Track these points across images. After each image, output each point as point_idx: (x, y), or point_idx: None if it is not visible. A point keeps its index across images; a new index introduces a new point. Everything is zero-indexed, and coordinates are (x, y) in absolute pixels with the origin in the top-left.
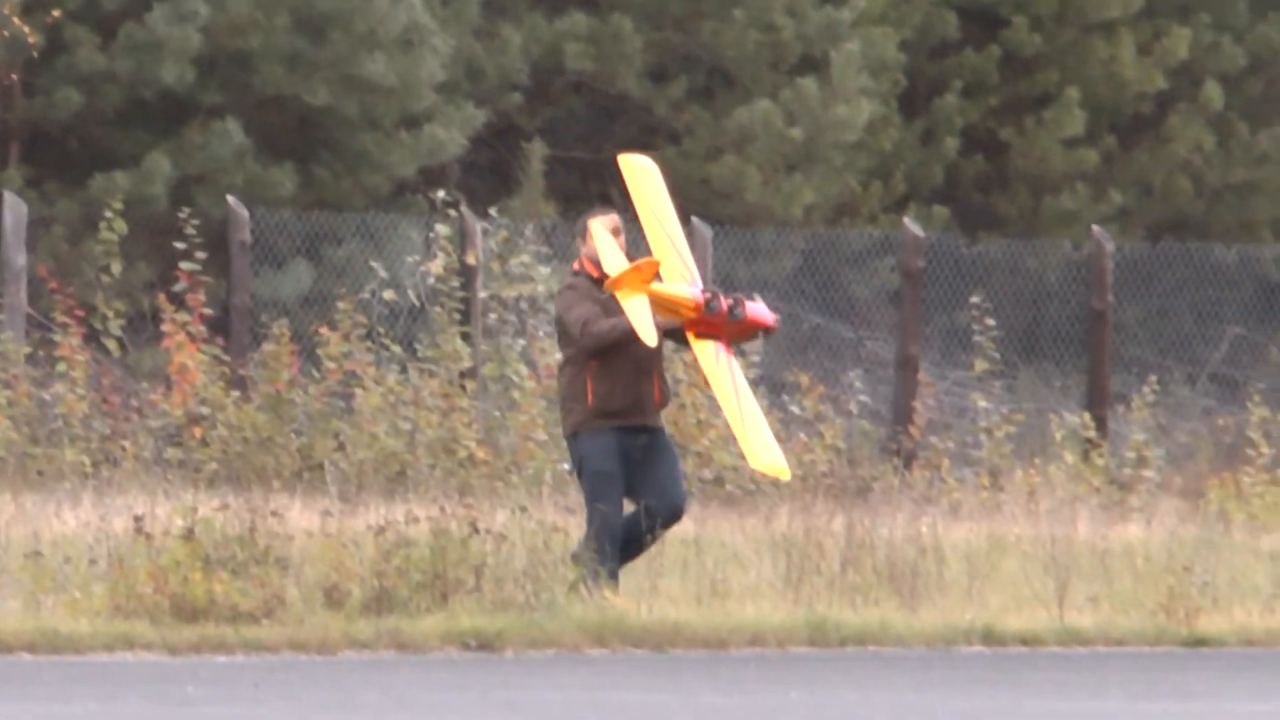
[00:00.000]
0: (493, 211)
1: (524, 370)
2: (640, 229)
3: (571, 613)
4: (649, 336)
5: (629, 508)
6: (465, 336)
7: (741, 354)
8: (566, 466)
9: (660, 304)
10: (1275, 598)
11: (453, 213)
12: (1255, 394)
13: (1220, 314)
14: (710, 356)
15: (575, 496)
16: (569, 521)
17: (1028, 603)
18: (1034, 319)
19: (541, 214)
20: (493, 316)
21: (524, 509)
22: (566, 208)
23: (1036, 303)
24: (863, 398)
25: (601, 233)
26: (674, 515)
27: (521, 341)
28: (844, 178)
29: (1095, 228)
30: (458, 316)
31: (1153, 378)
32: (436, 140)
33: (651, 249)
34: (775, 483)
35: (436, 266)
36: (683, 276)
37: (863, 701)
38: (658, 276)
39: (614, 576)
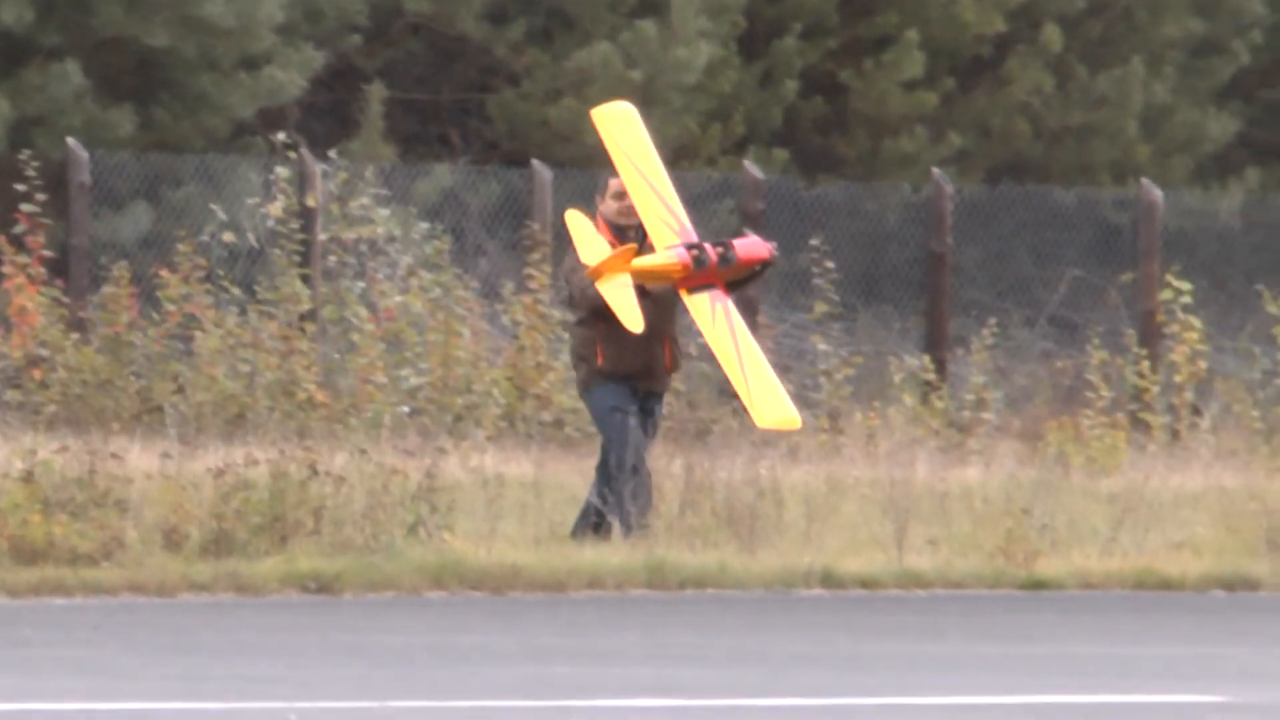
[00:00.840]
0: (332, 154)
1: (363, 313)
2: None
3: (410, 555)
4: (635, 324)
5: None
6: (305, 279)
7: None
8: (406, 409)
9: (647, 277)
10: (1113, 540)
11: (292, 155)
12: (1094, 337)
13: (1059, 256)
14: (706, 314)
15: (414, 439)
16: (408, 464)
17: (866, 545)
18: (873, 261)
19: (381, 156)
20: (332, 259)
21: (363, 451)
22: (405, 150)
23: (875, 245)
24: (701, 340)
25: (576, 223)
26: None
27: (361, 284)
28: (683, 120)
29: (934, 170)
30: (297, 259)
31: (992, 320)
32: (276, 82)
33: (634, 201)
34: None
35: (276, 209)
36: (670, 227)
37: (701, 644)
38: (645, 247)
39: (628, 523)
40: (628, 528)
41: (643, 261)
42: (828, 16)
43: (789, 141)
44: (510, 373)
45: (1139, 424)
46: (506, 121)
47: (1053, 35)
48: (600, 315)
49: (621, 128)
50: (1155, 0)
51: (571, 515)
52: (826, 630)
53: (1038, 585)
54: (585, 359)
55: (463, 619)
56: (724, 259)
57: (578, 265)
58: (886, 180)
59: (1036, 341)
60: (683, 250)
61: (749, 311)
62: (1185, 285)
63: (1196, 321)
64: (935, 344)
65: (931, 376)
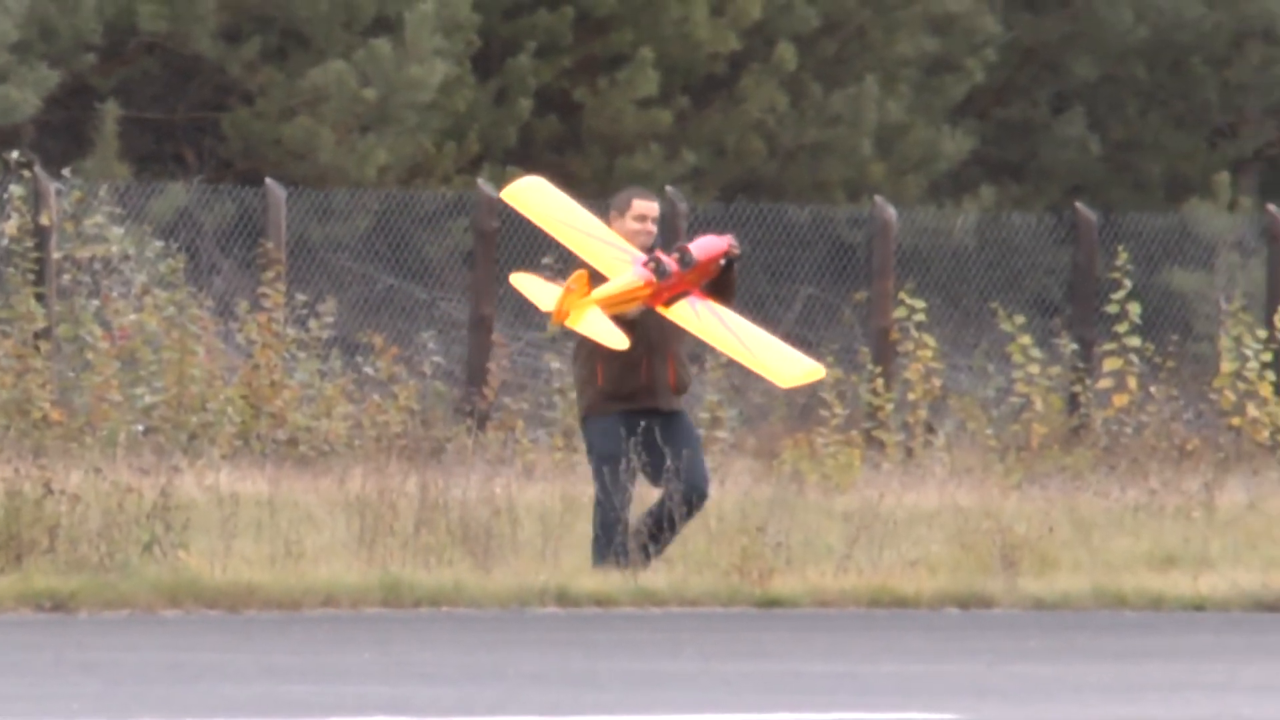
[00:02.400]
0: (66, 172)
1: (98, 331)
2: (559, 246)
3: (145, 573)
4: (618, 342)
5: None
6: (39, 297)
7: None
8: (141, 427)
9: (616, 303)
10: (848, 558)
11: (26, 173)
12: (828, 354)
13: (793, 274)
14: (690, 316)
15: (149, 457)
16: (143, 483)
17: None
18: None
19: (115, 174)
20: (66, 277)
21: (98, 470)
22: (140, 168)
23: None
24: (436, 358)
25: (524, 283)
26: (696, 497)
27: (95, 302)
28: (418, 138)
29: (669, 188)
30: (31, 277)
31: None
32: (10, 101)
33: (583, 258)
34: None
35: (10, 227)
36: (623, 262)
37: (436, 662)
38: (597, 279)
39: (604, 558)
40: (602, 556)
41: (605, 289)
42: (562, 35)
43: (524, 160)
44: (245, 391)
45: (873, 442)
46: (241, 140)
47: (787, 53)
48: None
49: (538, 199)
50: (889, 19)
51: (308, 534)
52: (562, 648)
53: (772, 603)
54: (588, 381)
55: (198, 637)
56: (683, 262)
57: (593, 275)
58: None
59: None
60: (639, 267)
61: None
62: (919, 303)
63: (930, 339)
64: None
65: None
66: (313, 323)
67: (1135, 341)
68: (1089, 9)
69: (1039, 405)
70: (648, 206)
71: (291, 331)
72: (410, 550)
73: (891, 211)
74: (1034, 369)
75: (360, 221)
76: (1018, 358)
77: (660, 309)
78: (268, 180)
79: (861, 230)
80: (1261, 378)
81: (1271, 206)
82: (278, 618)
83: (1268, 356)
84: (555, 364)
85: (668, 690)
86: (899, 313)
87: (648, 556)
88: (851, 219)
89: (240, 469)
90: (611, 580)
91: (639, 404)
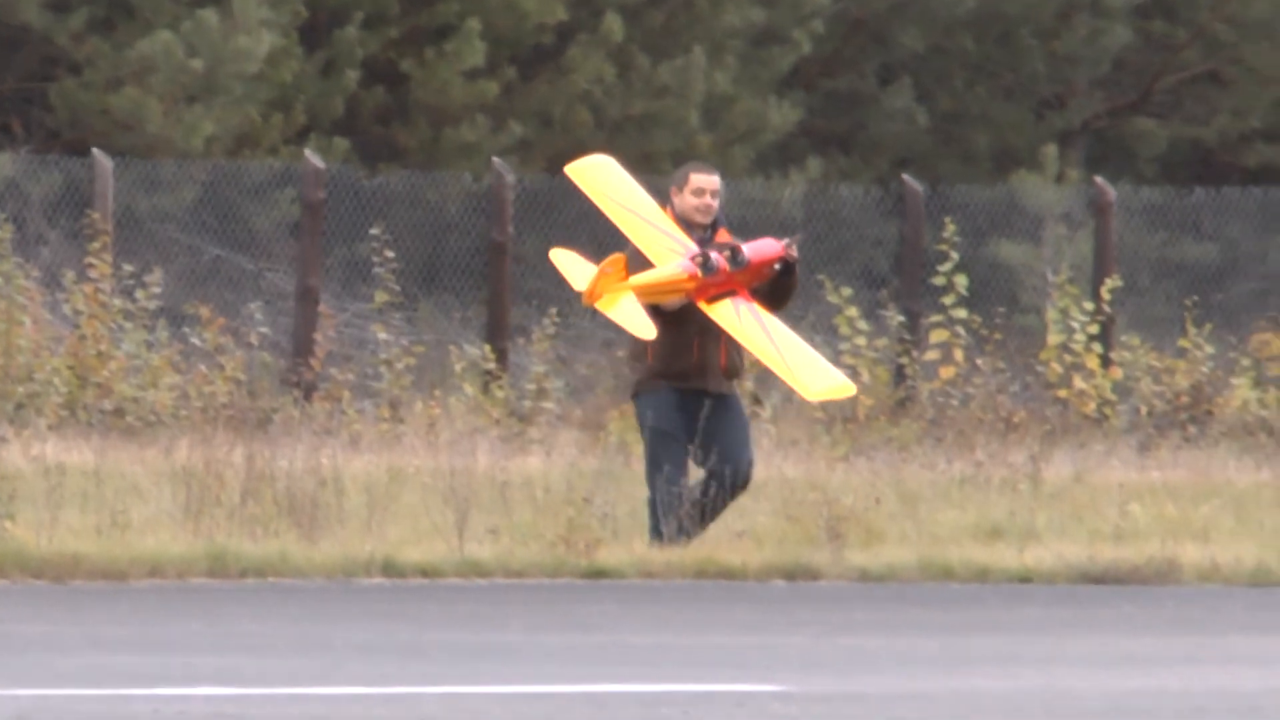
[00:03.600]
0: None
1: None
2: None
3: None
4: (646, 332)
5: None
6: None
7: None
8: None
9: (654, 293)
10: None
11: None
12: None
13: (619, 245)
14: (731, 315)
15: None
16: None
17: (427, 535)
18: (434, 251)
19: None
20: None
21: None
22: None
23: (437, 235)
24: (263, 329)
25: (562, 260)
26: (739, 479)
27: None
28: (245, 109)
29: (495, 159)
30: None
31: (553, 310)
32: None
33: (635, 240)
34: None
35: None
36: (674, 253)
37: (262, 632)
38: (642, 264)
39: (660, 535)
40: (658, 534)
41: (644, 277)
42: (389, 6)
43: (350, 131)
44: (71, 361)
45: None
46: (68, 110)
47: (614, 24)
48: (655, 312)
49: (602, 177)
50: None
51: (134, 505)
52: (388, 619)
53: (599, 574)
54: (638, 358)
55: (24, 608)
56: (734, 260)
57: (635, 256)
58: (448, 170)
59: (598, 331)
60: (685, 261)
61: None
62: None
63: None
64: (496, 333)
65: (492, 366)
66: (139, 293)
67: (962, 314)
68: None
69: (865, 377)
70: (707, 180)
71: (118, 302)
72: (236, 521)
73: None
74: (860, 341)
75: (187, 192)
76: (844, 330)
77: (702, 305)
78: (94, 151)
79: None
80: (1088, 350)
81: (1099, 178)
82: (104, 588)
83: (1094, 329)
84: (382, 335)
85: (494, 662)
86: None
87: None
88: None
89: (66, 439)
90: (437, 551)
91: (689, 384)
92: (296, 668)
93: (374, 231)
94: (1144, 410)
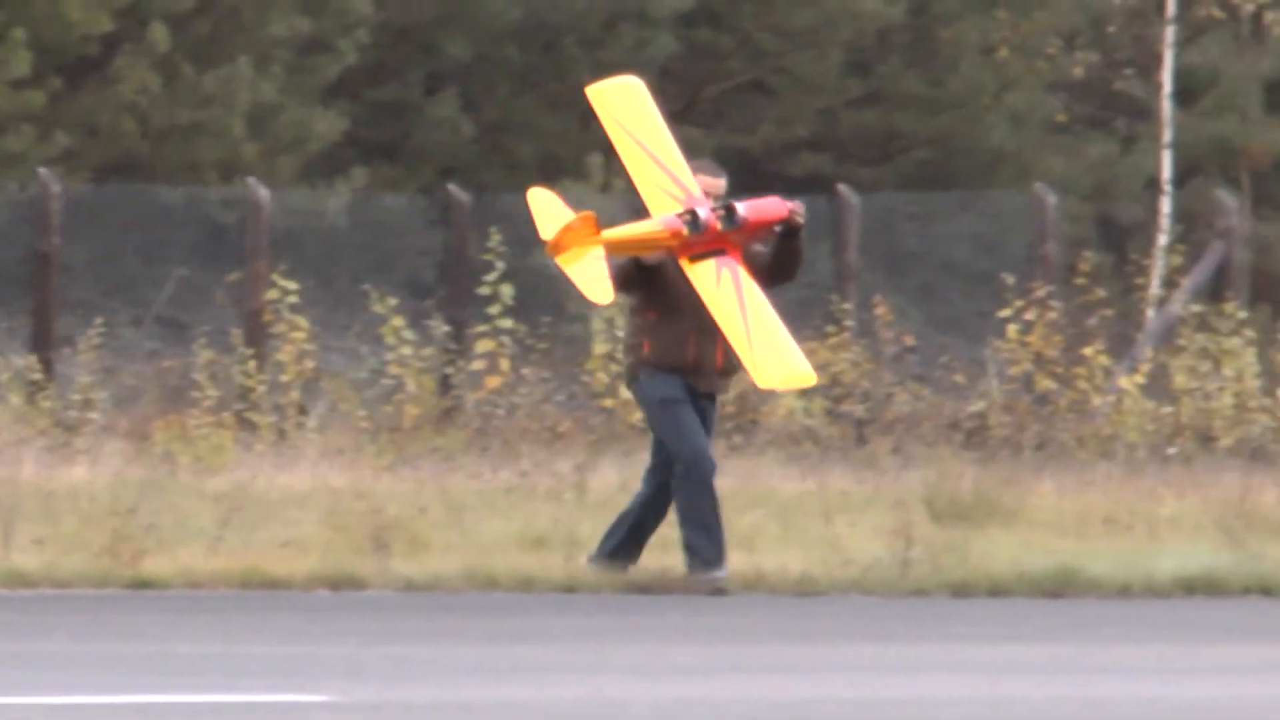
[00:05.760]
0: None
1: None
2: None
3: None
4: (600, 295)
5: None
6: None
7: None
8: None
9: (630, 247)
10: (220, 539)
11: None
12: (201, 336)
13: (166, 256)
14: (710, 278)
15: None
16: None
17: None
18: None
19: None
20: None
21: None
22: None
23: None
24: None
25: (538, 199)
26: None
27: None
28: None
29: (41, 169)
30: None
31: (99, 320)
32: None
33: (631, 173)
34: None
35: None
36: (673, 198)
37: None
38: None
39: (701, 553)
40: (704, 562)
41: (620, 231)
42: None
43: None
44: None
45: (246, 423)
46: None
47: (160, 34)
48: (653, 305)
49: (622, 102)
50: None
51: None
52: None
53: (144, 584)
54: (633, 349)
55: None
56: (727, 219)
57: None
58: None
59: (144, 341)
60: (670, 217)
61: None
62: (292, 285)
63: (304, 321)
64: (42, 343)
65: (38, 376)
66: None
67: (508, 323)
68: None
69: (411, 386)
70: (713, 184)
71: None
72: None
73: (264, 193)
74: (407, 350)
75: None
76: (390, 339)
77: (684, 262)
78: None
79: (234, 211)
80: None
81: None
82: None
83: None
84: None
85: (40, 671)
86: (271, 294)
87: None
88: (224, 200)
89: None
90: None
91: (683, 379)
92: None
93: None
94: None
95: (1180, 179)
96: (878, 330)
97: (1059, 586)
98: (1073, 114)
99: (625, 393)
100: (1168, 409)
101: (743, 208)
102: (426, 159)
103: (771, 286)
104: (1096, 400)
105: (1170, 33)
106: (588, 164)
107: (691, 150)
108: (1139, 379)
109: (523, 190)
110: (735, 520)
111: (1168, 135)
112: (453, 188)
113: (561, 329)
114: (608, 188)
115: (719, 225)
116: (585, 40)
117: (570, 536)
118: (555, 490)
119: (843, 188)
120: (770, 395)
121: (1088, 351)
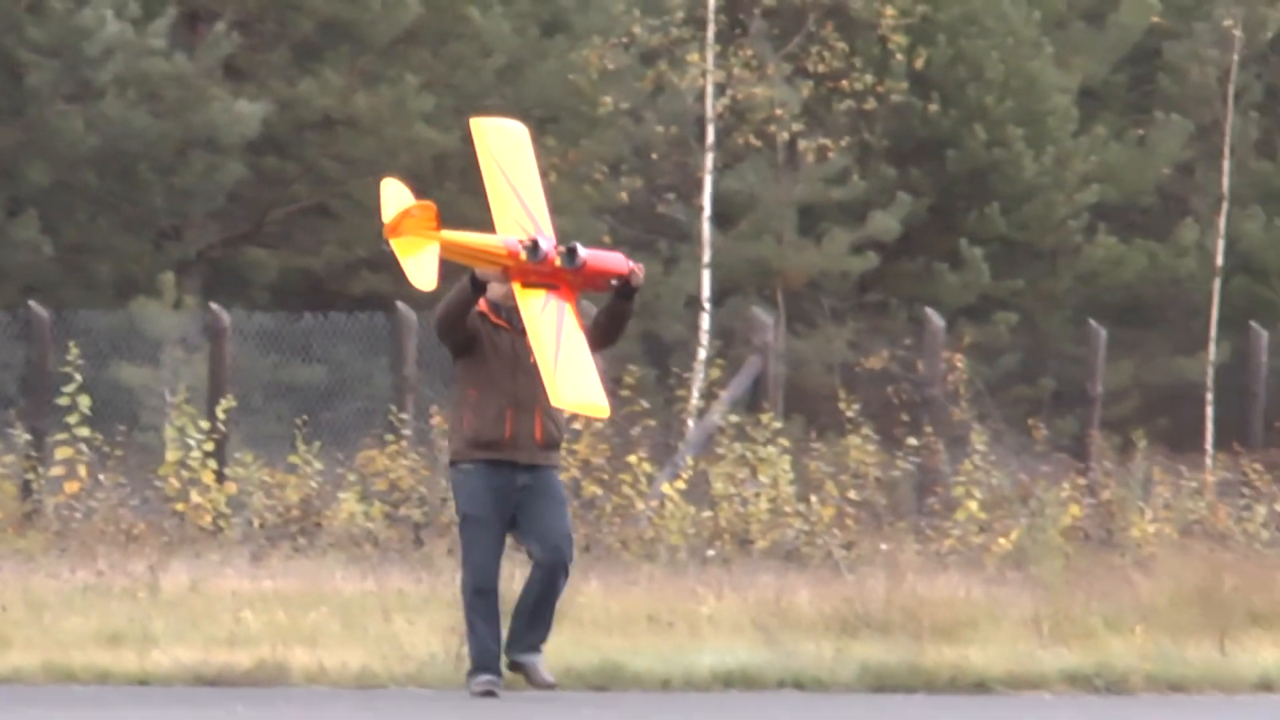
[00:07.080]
0: None
1: None
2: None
3: None
4: (425, 283)
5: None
6: None
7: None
8: None
9: (466, 254)
10: None
11: None
12: None
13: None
14: (536, 305)
15: None
16: None
17: None
18: None
19: None
20: None
21: None
22: None
23: None
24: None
25: (389, 190)
26: (556, 565)
27: None
28: None
29: None
30: None
31: None
32: None
33: (493, 211)
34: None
35: None
36: (523, 229)
37: None
38: (493, 217)
39: (471, 659)
40: (482, 668)
41: (460, 235)
42: None
43: None
44: None
45: None
46: None
47: None
48: (456, 328)
49: (500, 140)
50: None
51: None
52: None
53: None
54: (455, 428)
55: None
56: (568, 257)
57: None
58: None
59: None
60: (512, 239)
61: None
62: None
63: None
64: None
65: None
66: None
67: (85, 432)
68: (41, 118)
69: None
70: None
71: None
72: None
73: None
74: None
75: None
76: None
77: (516, 286)
78: None
79: None
80: (204, 465)
81: (214, 305)
82: None
83: (210, 446)
84: None
85: None
86: None
87: (546, 682)
88: None
89: None
90: None
91: (502, 455)
92: None
93: None
94: (257, 522)
95: (719, 297)
96: (434, 439)
97: (605, 681)
98: (618, 236)
99: (197, 497)
100: (707, 513)
101: (585, 251)
102: (8, 277)
103: (597, 347)
104: (640, 505)
105: (710, 160)
106: (161, 282)
107: (258, 270)
108: (680, 485)
109: (101, 307)
110: (300, 618)
111: (707, 256)
112: (34, 304)
113: (136, 436)
114: (181, 304)
115: (557, 260)
116: (159, 166)
117: (144, 633)
118: (130, 589)
119: (401, 305)
120: (333, 500)
121: (632, 459)
